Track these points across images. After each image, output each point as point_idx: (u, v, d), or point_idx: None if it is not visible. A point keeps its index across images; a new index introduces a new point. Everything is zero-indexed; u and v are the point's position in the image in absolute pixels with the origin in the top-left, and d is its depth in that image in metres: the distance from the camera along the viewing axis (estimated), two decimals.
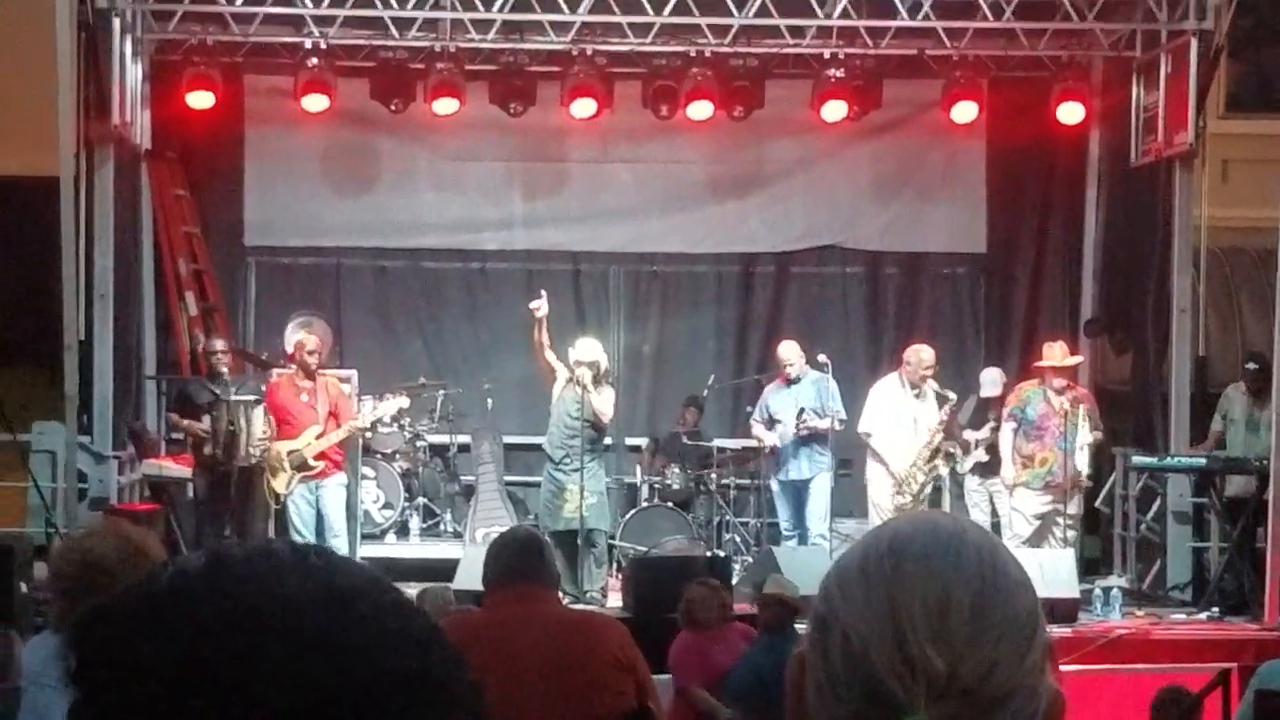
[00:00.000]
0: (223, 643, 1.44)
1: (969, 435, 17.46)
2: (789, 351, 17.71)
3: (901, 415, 16.92)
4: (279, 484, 15.98)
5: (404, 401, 17.36)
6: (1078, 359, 17.22)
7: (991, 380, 17.63)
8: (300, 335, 17.01)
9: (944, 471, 17.28)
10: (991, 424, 17.19)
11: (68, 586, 5.16)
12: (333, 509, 16.21)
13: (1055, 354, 16.87)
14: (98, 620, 1.51)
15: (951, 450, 17.28)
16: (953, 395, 17.06)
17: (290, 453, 15.96)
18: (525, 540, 7.15)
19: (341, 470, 16.47)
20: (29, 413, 16.85)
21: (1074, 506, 16.86)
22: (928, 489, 17.05)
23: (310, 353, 16.33)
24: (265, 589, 1.48)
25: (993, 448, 17.10)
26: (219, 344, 16.93)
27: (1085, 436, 16.76)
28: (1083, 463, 16.84)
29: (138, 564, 4.87)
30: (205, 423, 16.07)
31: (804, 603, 11.06)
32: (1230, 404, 17.41)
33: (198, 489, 16.15)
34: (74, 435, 16.03)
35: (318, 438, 16.05)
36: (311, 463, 16.01)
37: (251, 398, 16.14)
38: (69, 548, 5.37)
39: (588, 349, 16.36)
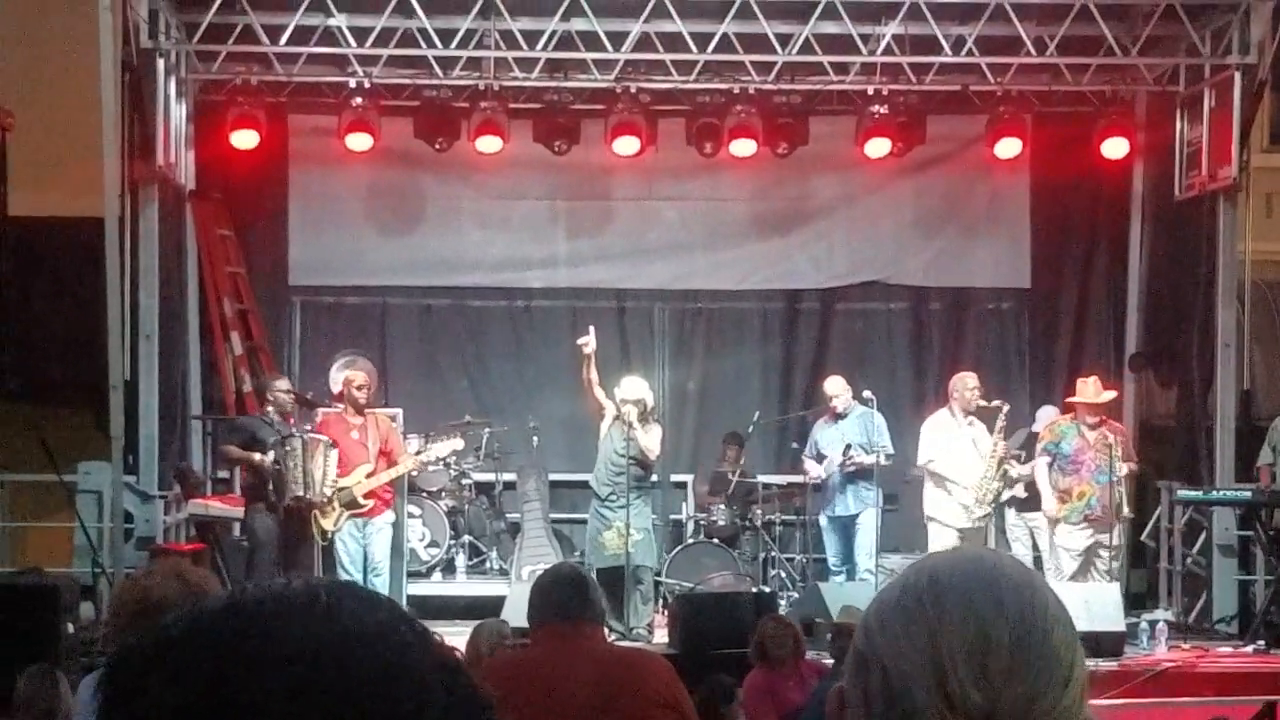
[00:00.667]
0: (231, 688, 1.45)
1: (1012, 469, 17.39)
2: (835, 386, 17.72)
3: (957, 442, 16.89)
4: (327, 521, 15.96)
5: (458, 444, 17.28)
6: (1111, 394, 17.13)
7: (1047, 418, 17.55)
8: (348, 372, 17.00)
9: (1015, 474, 17.14)
10: (1019, 457, 17.13)
11: (125, 625, 5.18)
12: (379, 548, 16.19)
13: (1089, 390, 16.81)
14: (121, 662, 1.53)
15: (1008, 469, 17.15)
16: (998, 402, 17.00)
17: (340, 490, 15.95)
18: (569, 576, 7.13)
19: (390, 508, 16.45)
20: (75, 453, 16.95)
21: (1116, 538, 16.79)
22: (1002, 495, 17.02)
23: (359, 388, 16.30)
24: (273, 633, 1.49)
25: (1031, 484, 17.05)
26: (283, 384, 16.84)
27: (1120, 469, 16.68)
28: (1120, 496, 16.77)
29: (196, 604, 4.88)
30: (270, 458, 15.96)
31: None
32: (1277, 436, 17.34)
33: (256, 527, 16.05)
34: (120, 475, 16.09)
35: (368, 476, 16.05)
36: (361, 501, 15.99)
37: (326, 439, 16.08)
38: (128, 587, 5.39)
39: (633, 387, 16.36)
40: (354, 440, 16.14)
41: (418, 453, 16.94)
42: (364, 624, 1.52)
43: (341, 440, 16.09)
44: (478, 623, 11.75)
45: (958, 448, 16.87)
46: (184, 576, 5.29)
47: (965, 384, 17.12)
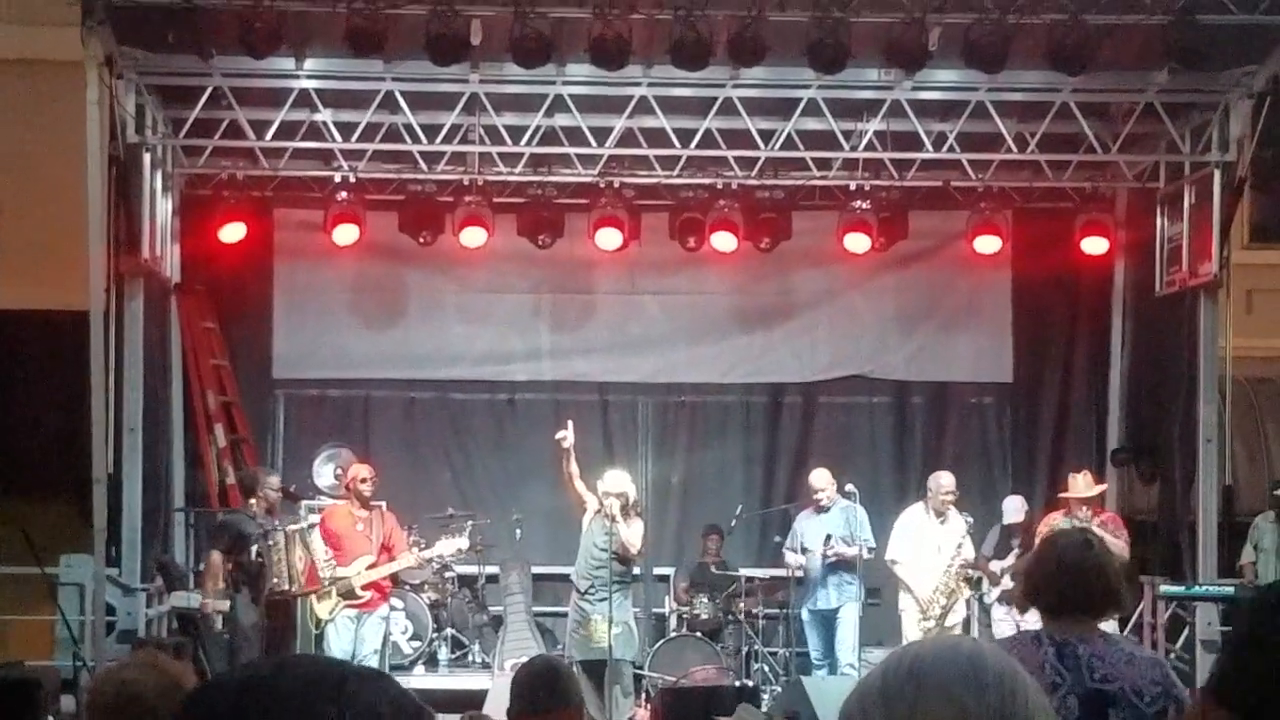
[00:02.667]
0: None
1: (995, 565, 17.43)
2: (821, 480, 17.73)
3: (926, 542, 16.96)
4: (322, 609, 15.94)
5: (464, 542, 17.26)
6: (1101, 488, 17.20)
7: (1014, 508, 17.63)
8: (355, 466, 16.98)
9: (965, 596, 17.24)
10: (1016, 550, 17.16)
11: (101, 718, 5.17)
12: (369, 641, 16.16)
13: (1079, 484, 16.93)
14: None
15: (971, 574, 17.25)
16: (970, 519, 17.11)
17: (338, 579, 15.93)
18: (543, 668, 7.15)
19: (387, 602, 16.45)
20: (58, 545, 16.90)
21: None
22: (953, 615, 17.02)
23: (363, 481, 16.32)
24: (307, 711, 1.53)
25: (1017, 574, 17.06)
26: (274, 480, 16.82)
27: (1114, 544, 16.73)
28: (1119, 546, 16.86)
29: (174, 697, 4.88)
30: (251, 555, 15.95)
31: None
32: (1260, 533, 17.39)
33: (240, 619, 15.97)
34: (102, 568, 16.05)
35: (369, 568, 16.03)
36: (359, 592, 15.99)
37: (305, 524, 16.06)
38: (105, 679, 5.39)
39: (616, 480, 16.34)
40: (359, 532, 16.14)
41: (422, 548, 16.95)
42: (386, 709, 1.56)
43: (346, 532, 16.08)
44: (465, 715, 11.70)
45: (924, 549, 16.93)
46: (160, 668, 5.28)
47: (939, 484, 17.23)
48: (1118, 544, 16.99)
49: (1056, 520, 16.96)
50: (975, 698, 1.89)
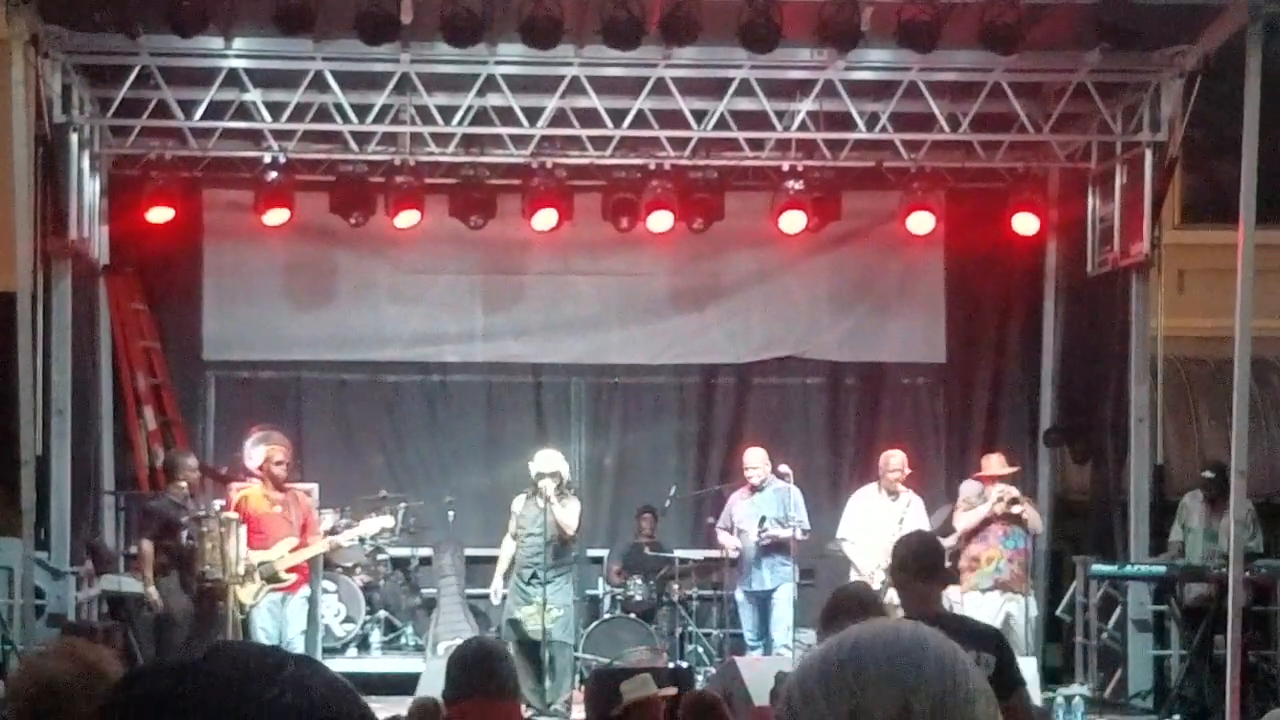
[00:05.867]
0: None
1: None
2: (754, 458, 17.75)
3: (877, 521, 16.96)
4: (245, 594, 15.87)
5: (387, 521, 17.23)
6: (1014, 469, 17.35)
7: (974, 490, 17.68)
8: (268, 447, 16.91)
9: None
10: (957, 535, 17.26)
11: (23, 708, 5.10)
12: (294, 623, 16.12)
13: (993, 464, 17.32)
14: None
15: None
16: (920, 499, 17.25)
17: (261, 563, 15.86)
18: (480, 651, 7.10)
19: (307, 583, 16.40)
20: None
21: (1030, 610, 16.90)
22: (892, 590, 17.06)
23: (278, 463, 16.27)
24: (246, 696, 1.51)
25: (957, 555, 17.15)
26: (191, 461, 16.75)
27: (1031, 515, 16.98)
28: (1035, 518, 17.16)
29: (94, 685, 4.82)
30: (181, 539, 15.88)
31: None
32: (1188, 513, 17.48)
33: (171, 604, 15.89)
34: (30, 551, 15.92)
35: (292, 550, 15.98)
36: (283, 575, 15.94)
37: (235, 516, 15.97)
38: (23, 669, 5.32)
39: (548, 460, 16.35)
40: (277, 515, 16.09)
41: (344, 528, 16.91)
42: (322, 693, 1.54)
43: (264, 515, 16.03)
44: (413, 698, 11.67)
45: (874, 527, 16.94)
46: (78, 656, 5.21)
47: (888, 463, 17.34)
48: (1034, 513, 17.17)
49: (970, 489, 17.17)
50: (915, 678, 1.87)
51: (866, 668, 1.87)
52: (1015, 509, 16.83)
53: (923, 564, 7.85)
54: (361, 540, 17.69)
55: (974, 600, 16.79)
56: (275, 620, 16.01)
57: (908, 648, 1.90)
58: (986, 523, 16.79)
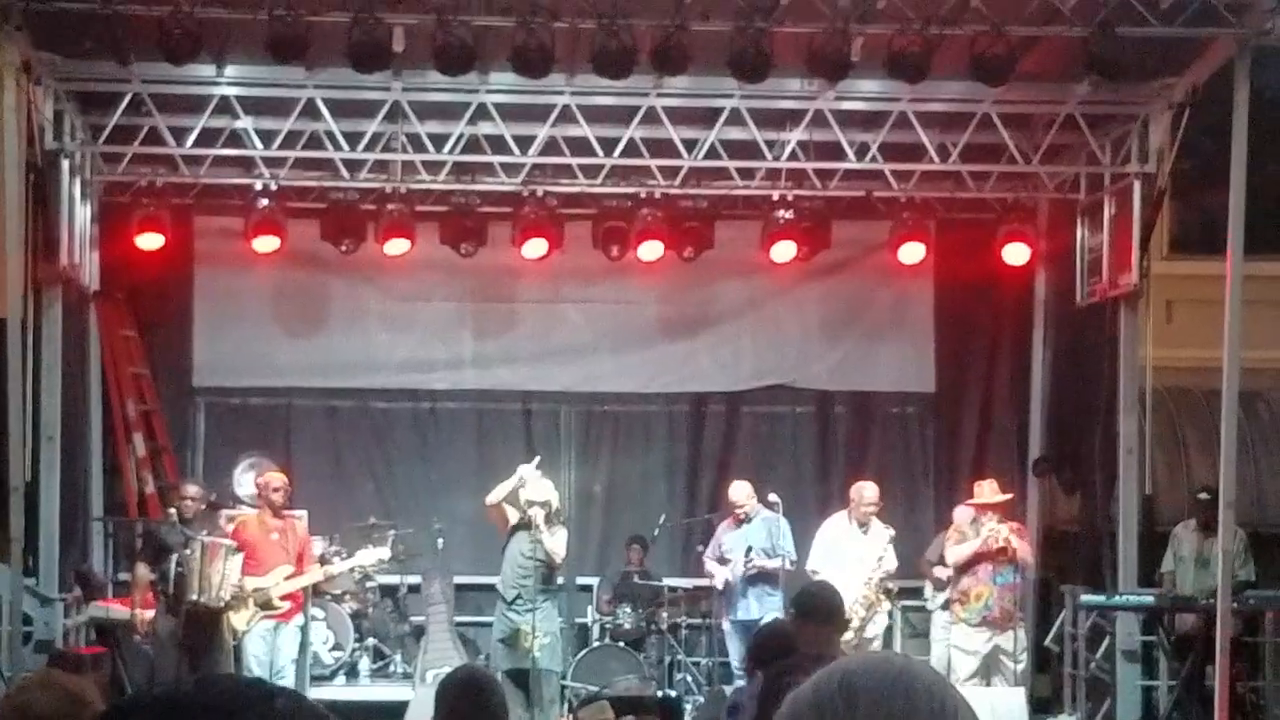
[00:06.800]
0: None
1: (939, 572, 17.54)
2: (739, 492, 17.78)
3: (847, 552, 16.99)
4: (239, 620, 15.81)
5: (384, 552, 17.14)
6: (1007, 496, 17.29)
7: (964, 517, 17.66)
8: (267, 475, 16.87)
9: (886, 609, 17.28)
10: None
11: None
12: (285, 651, 16.06)
13: (985, 491, 17.11)
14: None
15: (891, 587, 17.32)
16: (892, 531, 17.17)
17: (256, 590, 15.83)
18: (468, 680, 7.11)
19: (301, 612, 16.37)
20: None
21: (1019, 641, 16.87)
22: (873, 626, 17.04)
23: (276, 491, 16.23)
24: None
25: (947, 585, 17.17)
26: (193, 488, 16.63)
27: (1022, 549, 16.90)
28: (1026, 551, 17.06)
29: (76, 714, 4.83)
30: (172, 563, 15.82)
31: None
32: (1180, 542, 17.50)
33: (159, 630, 15.84)
34: (19, 578, 15.89)
35: (287, 578, 15.95)
36: (277, 603, 15.90)
37: (230, 543, 15.92)
38: (6, 701, 5.32)
39: (539, 489, 16.35)
40: (274, 542, 16.05)
41: (333, 556, 16.88)
42: None
43: (261, 542, 15.99)
44: None
45: (845, 559, 16.94)
46: (59, 686, 5.21)
47: (862, 494, 17.29)
48: (1026, 548, 17.13)
49: (962, 515, 17.12)
50: (906, 709, 1.88)
51: (858, 697, 1.88)
52: (1006, 543, 16.75)
53: (826, 612, 8.70)
54: (353, 570, 17.66)
55: (962, 633, 16.79)
56: (267, 647, 15.96)
57: (896, 679, 1.92)
58: (978, 558, 16.74)
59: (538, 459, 16.68)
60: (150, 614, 15.79)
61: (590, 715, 11.66)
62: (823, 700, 1.91)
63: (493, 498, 16.44)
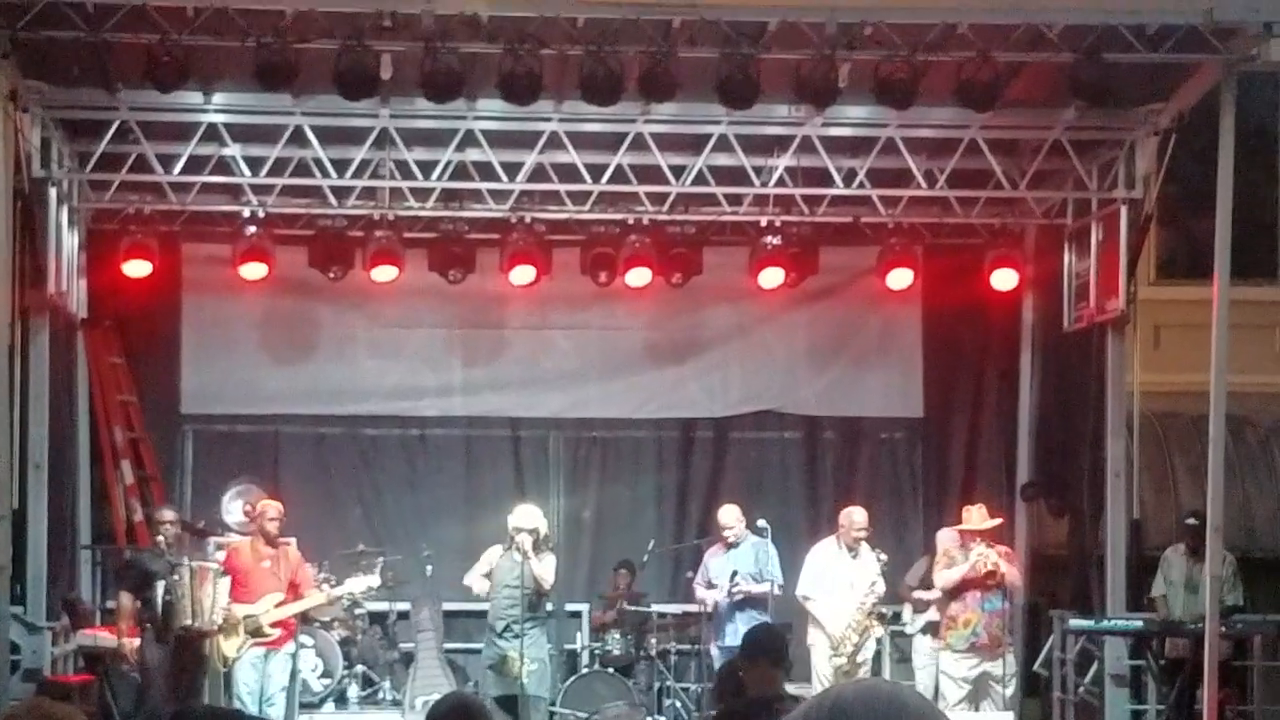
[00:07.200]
0: None
1: (920, 595, 17.54)
2: (728, 515, 17.77)
3: (838, 578, 16.97)
4: (229, 647, 15.80)
5: (374, 581, 17.13)
6: (996, 521, 17.25)
7: (949, 539, 17.64)
8: (262, 503, 16.86)
9: (878, 634, 17.27)
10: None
11: None
12: (275, 679, 16.05)
13: (974, 517, 16.99)
14: None
15: (884, 612, 17.32)
16: (884, 556, 17.14)
17: (246, 617, 15.80)
18: (457, 707, 7.10)
19: (293, 639, 16.35)
20: None
21: (1008, 666, 16.85)
22: (864, 651, 17.03)
23: (272, 520, 16.22)
24: None
25: (931, 607, 17.16)
26: (168, 514, 16.63)
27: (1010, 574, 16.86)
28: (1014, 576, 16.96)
29: None
30: (158, 591, 15.79)
31: None
32: (1170, 566, 17.50)
33: (145, 657, 15.82)
34: (6, 606, 15.83)
35: (277, 606, 15.93)
36: (267, 630, 15.87)
37: (216, 566, 15.92)
38: None
39: (527, 515, 16.36)
40: (265, 570, 16.04)
41: (332, 585, 16.85)
42: None
43: (252, 570, 15.98)
44: None
45: (836, 585, 16.93)
46: (47, 715, 5.21)
47: (852, 519, 17.25)
48: (1014, 573, 17.10)
49: (947, 539, 17.09)
50: None
51: None
52: (995, 568, 16.71)
53: (773, 654, 8.98)
54: (347, 598, 17.63)
55: (949, 659, 16.78)
56: (258, 675, 15.94)
57: (886, 706, 1.92)
58: (966, 583, 16.70)
59: (509, 543, 16.57)
60: (137, 642, 15.76)
61: None
62: None
63: (469, 580, 16.60)
